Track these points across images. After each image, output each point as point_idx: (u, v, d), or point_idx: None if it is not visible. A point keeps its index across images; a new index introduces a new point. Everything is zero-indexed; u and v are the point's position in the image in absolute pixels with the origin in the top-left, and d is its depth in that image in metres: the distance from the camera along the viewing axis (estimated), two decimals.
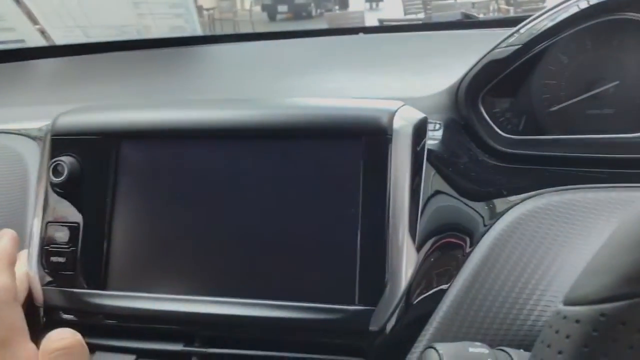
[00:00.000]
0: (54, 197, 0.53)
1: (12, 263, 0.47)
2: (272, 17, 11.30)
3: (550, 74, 0.61)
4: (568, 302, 0.26)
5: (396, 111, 0.50)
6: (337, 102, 0.52)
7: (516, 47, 0.58)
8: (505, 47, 0.59)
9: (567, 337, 0.25)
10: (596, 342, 0.24)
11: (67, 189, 0.53)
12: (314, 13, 11.30)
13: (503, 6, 7.93)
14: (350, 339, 0.48)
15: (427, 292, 0.49)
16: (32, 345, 0.43)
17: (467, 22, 1.08)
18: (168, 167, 0.52)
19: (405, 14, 8.29)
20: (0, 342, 0.42)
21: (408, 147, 0.48)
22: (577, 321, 0.25)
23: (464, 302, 0.48)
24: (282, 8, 11.17)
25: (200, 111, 0.53)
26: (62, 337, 0.43)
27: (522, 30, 0.60)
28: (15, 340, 0.42)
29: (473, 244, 0.51)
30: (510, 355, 0.38)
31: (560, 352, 0.25)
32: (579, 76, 0.60)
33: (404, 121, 0.49)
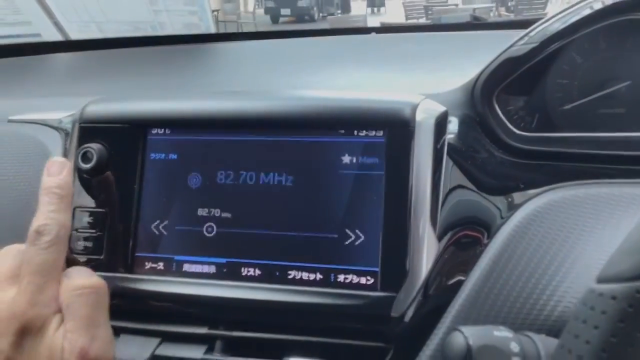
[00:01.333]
0: (81, 183, 0.54)
1: (71, 202, 0.48)
2: (274, 20, 11.32)
3: (564, 73, 0.62)
4: (603, 280, 0.28)
5: (419, 104, 0.51)
6: (360, 94, 0.54)
7: (533, 45, 0.59)
8: (521, 45, 0.60)
9: (603, 313, 0.26)
10: (632, 317, 0.25)
11: (95, 175, 0.54)
12: (316, 17, 11.32)
13: (503, 13, 7.95)
14: (372, 325, 0.49)
15: (447, 280, 0.50)
16: (59, 285, 0.44)
17: (476, 24, 1.10)
18: (194, 156, 0.53)
19: (407, 19, 8.31)
20: (39, 274, 0.43)
21: (430, 139, 0.50)
22: (613, 298, 0.26)
23: (482, 291, 0.49)
24: (285, 11, 11.19)
25: (228, 102, 0.55)
26: (87, 275, 0.44)
27: (536, 30, 0.61)
28: (51, 275, 0.43)
29: (490, 236, 0.52)
30: (533, 340, 0.39)
31: (596, 327, 0.26)
32: (592, 75, 0.62)
33: (426, 114, 0.50)
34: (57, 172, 0.48)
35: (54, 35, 1.11)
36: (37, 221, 0.45)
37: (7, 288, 0.43)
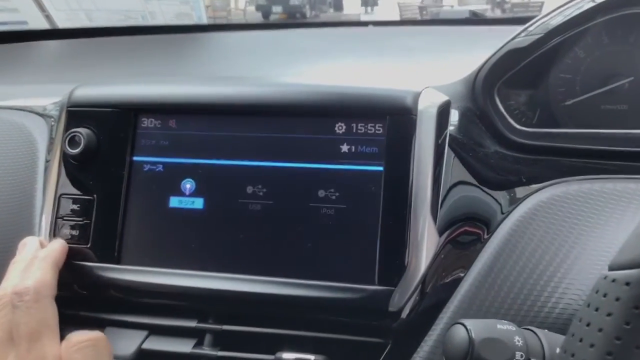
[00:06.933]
0: (68, 169, 0.53)
1: (57, 265, 0.47)
2: (266, 17, 11.27)
3: (567, 67, 0.61)
4: (615, 267, 0.27)
5: (421, 92, 0.49)
6: (362, 83, 0.52)
7: (537, 36, 0.58)
8: (524, 37, 0.59)
9: (617, 299, 0.25)
10: None
11: (82, 161, 0.52)
12: (308, 15, 11.30)
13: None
14: (369, 319, 0.47)
15: (446, 276, 0.48)
16: (59, 344, 0.42)
17: (475, 20, 1.08)
18: (187, 143, 0.51)
19: (401, 18, 8.32)
20: (32, 336, 0.41)
21: (432, 129, 0.48)
22: (627, 284, 0.25)
23: (483, 286, 0.48)
24: (277, 9, 11.16)
25: (223, 87, 0.53)
26: (85, 332, 0.43)
27: (537, 24, 0.60)
28: (46, 335, 0.42)
29: (491, 231, 0.51)
30: (536, 334, 0.38)
31: (609, 314, 0.25)
32: (594, 71, 0.61)
33: (428, 102, 0.49)
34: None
35: (41, 24, 1.08)
36: (15, 286, 0.44)
37: (5, 352, 0.42)
